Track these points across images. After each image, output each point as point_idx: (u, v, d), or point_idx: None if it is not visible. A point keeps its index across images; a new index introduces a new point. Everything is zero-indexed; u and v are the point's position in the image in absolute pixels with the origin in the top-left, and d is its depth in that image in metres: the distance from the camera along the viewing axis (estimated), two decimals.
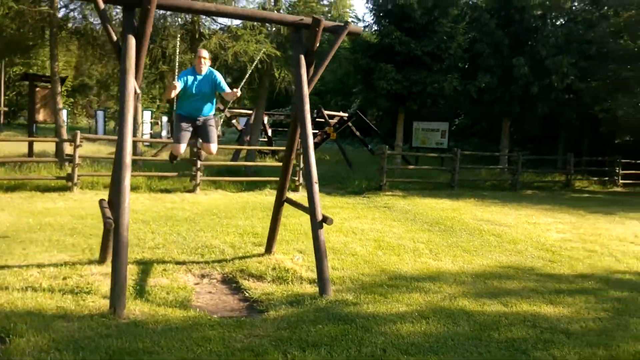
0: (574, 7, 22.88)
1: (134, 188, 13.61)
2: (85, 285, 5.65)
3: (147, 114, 33.03)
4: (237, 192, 14.34)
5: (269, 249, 7.45)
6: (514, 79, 20.70)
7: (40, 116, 16.87)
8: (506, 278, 6.59)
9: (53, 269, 6.18)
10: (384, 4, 21.14)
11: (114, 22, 14.76)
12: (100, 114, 33.92)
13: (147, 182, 13.91)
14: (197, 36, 16.80)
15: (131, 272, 6.28)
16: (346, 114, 27.69)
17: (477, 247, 8.56)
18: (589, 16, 23.00)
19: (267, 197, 13.97)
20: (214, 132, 6.50)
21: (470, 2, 23.27)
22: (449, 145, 22.08)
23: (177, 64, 6.64)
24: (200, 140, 6.61)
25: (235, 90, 6.29)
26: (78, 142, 12.83)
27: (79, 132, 13.27)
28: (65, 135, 15.58)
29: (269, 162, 20.14)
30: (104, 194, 12.74)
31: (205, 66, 6.32)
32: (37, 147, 18.72)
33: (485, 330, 4.71)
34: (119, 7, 11.76)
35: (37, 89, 16.76)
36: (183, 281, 6.26)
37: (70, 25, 15.63)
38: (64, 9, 15.70)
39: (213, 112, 6.59)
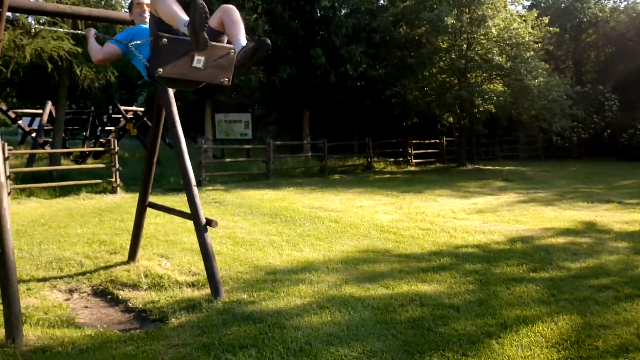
0: None
1: None
2: None
3: None
4: (52, 198, 13.32)
5: (132, 256, 7.14)
6: (312, 69, 21.80)
7: None
8: (372, 262, 7.12)
9: None
10: None
11: None
12: None
13: None
14: None
15: None
16: (141, 109, 26.77)
17: (326, 234, 9.07)
18: (371, 6, 25.07)
19: (87, 201, 13.24)
20: None
21: None
22: (254, 135, 22.61)
23: None
24: None
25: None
26: None
27: None
28: None
29: (90, 163, 18.96)
30: None
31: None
32: None
33: (385, 314, 5.11)
34: None
35: None
36: (53, 298, 5.82)
37: None
38: None
39: None
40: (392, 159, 24.19)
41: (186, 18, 3.87)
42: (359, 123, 27.38)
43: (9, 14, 5.30)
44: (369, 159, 22.54)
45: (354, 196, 14.12)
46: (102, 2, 16.62)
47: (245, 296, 5.69)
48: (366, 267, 6.86)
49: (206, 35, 3.79)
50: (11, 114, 21.59)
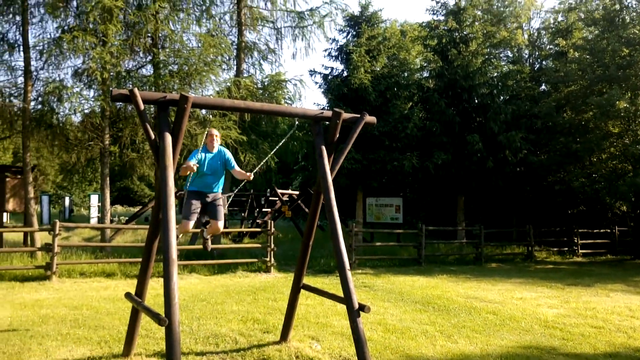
0: (516, 85, 24.27)
1: (109, 275, 13.18)
2: None
3: (95, 198, 32.40)
4: (210, 275, 14.08)
5: (284, 337, 7.20)
6: (468, 154, 21.47)
7: (10, 205, 16.41)
8: None
9: None
10: (339, 87, 21.80)
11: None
12: (45, 198, 32.86)
13: (120, 268, 13.50)
14: None
15: None
16: (296, 192, 27.86)
17: (483, 326, 8.56)
18: (531, 92, 24.46)
19: (243, 279, 13.76)
20: (222, 210, 6.69)
21: (419, 84, 24.29)
22: (404, 220, 22.43)
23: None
24: (208, 218, 6.80)
25: (249, 173, 6.45)
26: (57, 231, 12.56)
27: (57, 221, 13.00)
28: (36, 224, 15.25)
29: (247, 243, 19.99)
30: (82, 281, 12.46)
31: (217, 144, 6.57)
32: (7, 236, 18.57)
33: None
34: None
35: (8, 179, 16.36)
36: None
37: (37, 116, 15.70)
38: (33, 102, 15.85)
39: (221, 189, 6.75)
40: (555, 249, 22.60)
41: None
42: (518, 210, 26.18)
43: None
44: (530, 248, 21.28)
45: (513, 287, 13.29)
46: (266, 94, 17.97)
47: None
48: None
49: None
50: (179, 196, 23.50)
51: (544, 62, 28.29)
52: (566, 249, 22.78)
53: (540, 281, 14.47)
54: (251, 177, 6.47)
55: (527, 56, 29.41)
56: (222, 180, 6.74)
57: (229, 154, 6.64)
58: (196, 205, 6.52)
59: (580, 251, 22.75)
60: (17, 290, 11.19)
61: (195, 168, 6.13)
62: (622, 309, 10.39)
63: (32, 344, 6.84)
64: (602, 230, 24.15)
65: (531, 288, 13.13)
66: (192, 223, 6.53)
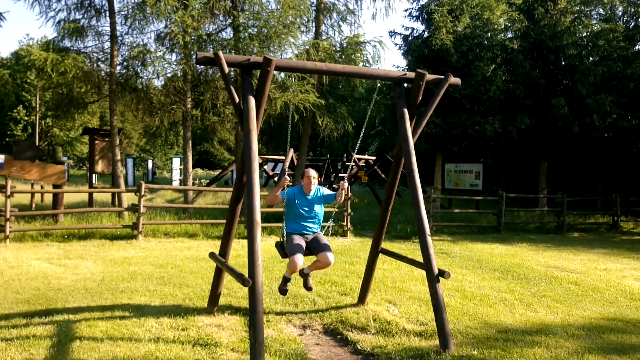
0: (608, 45, 22.93)
1: (191, 235, 13.70)
2: (206, 337, 5.76)
3: (177, 161, 33.51)
4: None
5: (362, 300, 7.31)
6: (552, 119, 20.64)
7: (99, 167, 17.23)
8: (620, 332, 6.36)
9: (168, 319, 6.30)
10: (419, 49, 21.33)
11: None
12: (129, 161, 34.28)
13: (202, 230, 14.02)
14: None
15: (238, 323, 6.27)
16: (372, 158, 27.76)
17: (564, 296, 8.36)
18: (624, 52, 23.05)
19: None
20: (326, 242, 6.24)
21: (503, 45, 23.42)
22: (484, 186, 21.94)
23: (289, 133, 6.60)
24: (315, 254, 6.23)
25: (342, 182, 6.05)
26: (142, 192, 13.13)
27: (142, 182, 13.55)
28: (122, 185, 15.96)
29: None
30: (166, 241, 13.03)
31: (314, 186, 6.28)
32: (96, 196, 19.83)
33: None
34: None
35: (96, 141, 17.15)
36: (288, 332, 6.20)
37: (123, 80, 16.34)
38: (119, 66, 16.44)
39: (321, 225, 6.47)
40: None
41: None
42: (604, 177, 25.05)
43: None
44: (615, 217, 20.40)
45: (596, 257, 12.85)
46: (343, 57, 17.85)
47: (475, 352, 5.45)
48: (613, 337, 6.14)
49: None
50: (259, 159, 23.94)
51: (639, 20, 26.52)
52: None
53: (626, 252, 13.91)
54: (346, 185, 6.10)
55: (620, 13, 27.59)
56: (321, 218, 6.41)
57: (324, 190, 6.37)
58: (299, 240, 6.13)
59: None
60: (107, 247, 11.84)
61: (280, 199, 6.03)
62: None
63: (122, 298, 7.28)
64: None
65: (616, 259, 12.65)
66: (300, 256, 5.96)
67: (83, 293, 7.51)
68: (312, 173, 6.28)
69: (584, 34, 23.08)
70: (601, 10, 27.26)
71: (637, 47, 24.55)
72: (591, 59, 22.93)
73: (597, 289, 8.99)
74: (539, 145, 21.62)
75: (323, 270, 9.59)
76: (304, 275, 6.37)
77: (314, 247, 6.19)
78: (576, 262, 11.98)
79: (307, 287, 6.49)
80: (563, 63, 22.08)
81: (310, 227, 6.29)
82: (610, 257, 12.92)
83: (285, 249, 6.17)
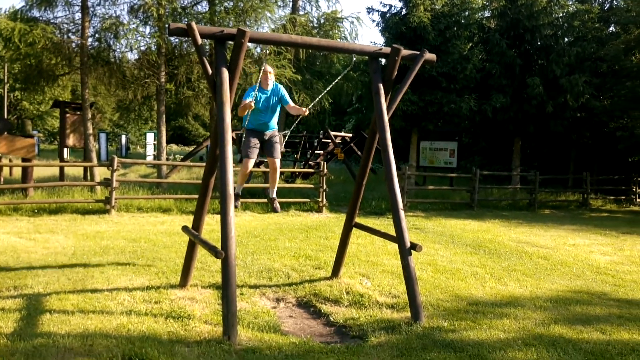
0: (583, 26, 23.15)
1: (165, 210, 13.61)
2: (179, 309, 5.72)
3: (151, 136, 33.06)
4: (264, 213, 14.33)
5: (335, 273, 7.37)
6: (527, 98, 20.84)
7: (70, 141, 16.91)
8: (585, 304, 6.52)
9: (140, 292, 6.24)
10: (397, 26, 21.27)
11: None
12: (102, 136, 33.75)
13: (176, 204, 13.92)
14: None
15: (211, 297, 6.27)
16: (349, 135, 27.75)
17: (534, 270, 8.52)
18: (598, 34, 23.30)
19: (295, 218, 14.01)
20: (279, 148, 6.59)
21: (480, 24, 23.49)
22: (458, 164, 22.14)
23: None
24: (266, 156, 6.69)
25: (304, 109, 6.26)
26: (115, 167, 12.97)
27: (115, 157, 13.37)
28: (95, 160, 15.73)
29: (299, 183, 20.20)
30: (140, 216, 12.92)
31: (271, 81, 6.39)
32: (67, 170, 19.38)
33: None
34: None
35: (67, 115, 16.80)
36: (262, 305, 6.23)
37: (95, 53, 15.93)
38: (91, 38, 15.99)
39: (276, 127, 6.66)
40: (612, 197, 22.02)
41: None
42: (576, 156, 25.46)
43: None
44: (585, 195, 20.79)
45: (566, 233, 13.11)
46: (321, 33, 17.73)
47: (445, 324, 5.53)
48: (579, 309, 6.29)
49: None
50: (233, 135, 23.74)
51: (614, 2, 26.78)
52: (623, 197, 22.22)
53: (595, 229, 14.22)
54: (306, 113, 6.27)
55: None
56: (277, 117, 6.65)
57: (283, 90, 6.53)
58: (254, 142, 6.45)
59: (638, 200, 22.15)
60: (79, 222, 11.67)
61: (252, 105, 6.06)
62: None
63: (94, 272, 7.18)
64: None
65: (584, 235, 12.93)
66: (252, 161, 6.50)
67: (54, 267, 7.40)
68: (269, 68, 6.40)
69: (560, 15, 23.22)
70: None
71: (611, 28, 24.86)
72: (566, 39, 23.14)
73: (565, 263, 9.18)
74: (513, 124, 21.85)
75: (297, 245, 9.70)
76: (270, 199, 7.01)
77: (267, 150, 6.59)
78: (546, 237, 12.21)
79: (274, 209, 7.05)
80: (539, 43, 22.26)
81: (267, 123, 6.43)
82: (579, 233, 13.19)
83: (241, 149, 6.59)
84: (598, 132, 23.22)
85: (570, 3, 24.79)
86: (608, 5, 26.49)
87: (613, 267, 8.96)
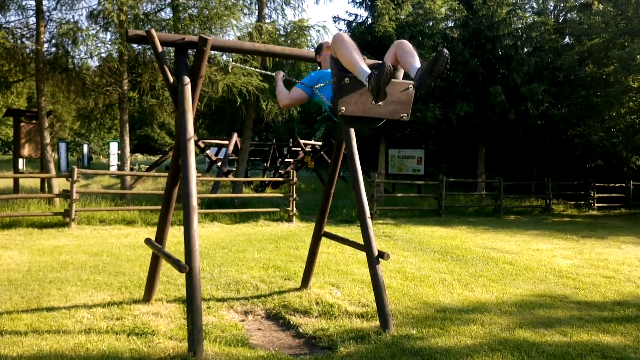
0: (540, 37, 23.80)
1: (129, 222, 13.40)
2: (142, 325, 5.56)
3: (114, 145, 32.54)
4: (232, 223, 14.26)
5: (305, 284, 7.35)
6: (490, 106, 21.27)
7: (25, 151, 16.38)
8: (548, 307, 6.67)
9: (101, 309, 6.04)
10: (362, 35, 21.46)
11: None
12: (62, 145, 33.08)
13: (141, 216, 13.72)
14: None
15: (177, 311, 6.18)
16: (319, 143, 27.83)
17: (499, 276, 8.66)
18: (555, 45, 24.02)
19: (264, 228, 13.95)
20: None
21: (443, 33, 23.86)
22: (426, 171, 22.39)
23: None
24: None
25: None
26: (75, 177, 12.66)
27: (75, 167, 13.07)
28: (53, 170, 15.31)
29: (269, 192, 20.12)
30: (102, 229, 12.68)
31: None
32: (23, 182, 18.68)
33: None
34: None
35: (22, 124, 16.30)
36: (229, 318, 6.13)
37: (52, 59, 15.47)
38: (47, 44, 15.53)
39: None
40: (572, 202, 22.68)
41: (366, 68, 3.87)
42: (538, 162, 26.10)
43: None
44: (548, 201, 21.28)
45: (530, 238, 13.39)
46: (288, 41, 17.72)
47: (414, 331, 5.58)
48: (542, 312, 6.43)
49: (386, 90, 3.80)
50: (200, 144, 23.48)
51: (568, 14, 27.65)
52: (583, 202, 22.95)
53: (557, 233, 14.59)
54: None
55: (552, 8, 28.73)
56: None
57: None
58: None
59: (595, 205, 22.92)
60: (35, 236, 11.26)
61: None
62: (633, 260, 10.60)
63: (51, 289, 6.89)
64: (617, 185, 24.33)
65: (547, 240, 13.24)
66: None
67: (6, 285, 7.09)
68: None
69: (519, 26, 23.88)
70: (534, 4, 28.28)
71: (566, 40, 25.68)
72: (525, 49, 23.80)
73: (530, 268, 9.37)
74: (477, 131, 22.27)
75: (266, 256, 9.65)
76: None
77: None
78: (511, 243, 12.44)
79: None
80: (500, 52, 22.78)
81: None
82: (542, 238, 13.50)
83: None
84: (558, 139, 23.92)
85: (528, 15, 25.53)
86: (563, 18, 27.37)
87: (574, 271, 9.19)
